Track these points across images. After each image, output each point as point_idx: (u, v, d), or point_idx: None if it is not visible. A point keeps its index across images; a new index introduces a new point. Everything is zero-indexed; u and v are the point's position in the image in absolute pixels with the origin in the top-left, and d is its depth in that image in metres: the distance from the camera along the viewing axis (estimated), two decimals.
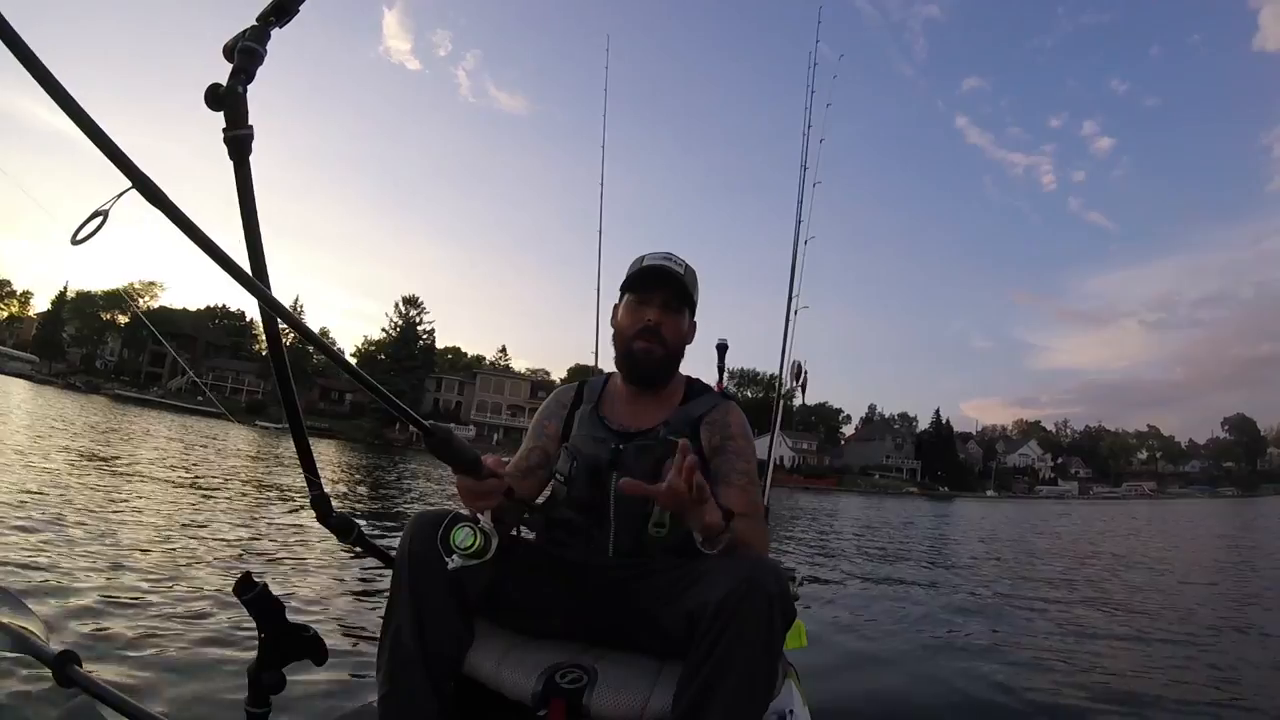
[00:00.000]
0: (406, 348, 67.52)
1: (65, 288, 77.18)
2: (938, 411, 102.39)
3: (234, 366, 73.01)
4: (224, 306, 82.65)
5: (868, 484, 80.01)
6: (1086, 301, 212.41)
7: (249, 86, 1.10)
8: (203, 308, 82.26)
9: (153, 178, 0.86)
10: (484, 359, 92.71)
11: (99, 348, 79.07)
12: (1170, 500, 78.46)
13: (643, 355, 1.57)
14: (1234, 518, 32.29)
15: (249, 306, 68.31)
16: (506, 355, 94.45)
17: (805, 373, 3.16)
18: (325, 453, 25.33)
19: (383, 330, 70.01)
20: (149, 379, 70.05)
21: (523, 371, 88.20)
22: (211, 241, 0.88)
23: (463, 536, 1.19)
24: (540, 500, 1.65)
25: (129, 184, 0.84)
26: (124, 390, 59.67)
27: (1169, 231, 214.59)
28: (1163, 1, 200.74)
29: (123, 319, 75.59)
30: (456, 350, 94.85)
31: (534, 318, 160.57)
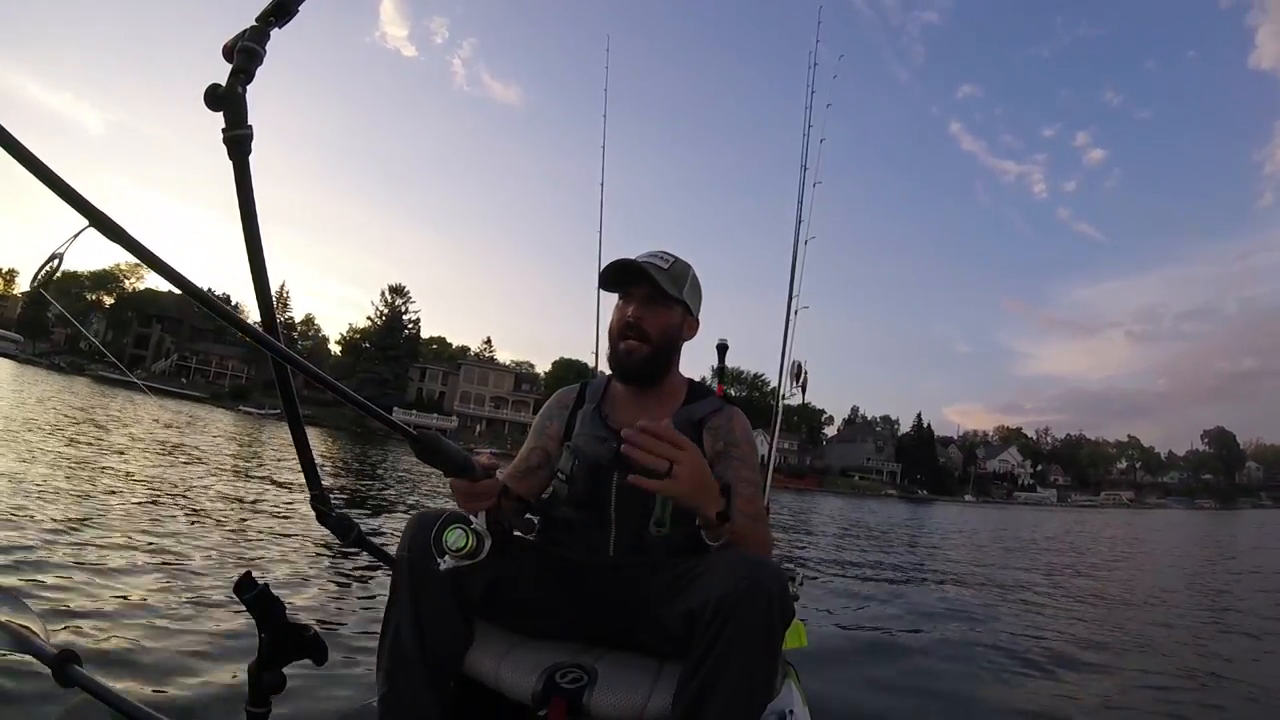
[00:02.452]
0: (391, 336, 67.14)
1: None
2: (919, 415, 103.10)
3: (218, 350, 72.30)
4: (210, 290, 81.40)
5: (847, 485, 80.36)
6: (1072, 310, 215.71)
7: (249, 86, 1.09)
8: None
9: (110, 214, 0.86)
10: (469, 350, 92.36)
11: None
12: (1148, 510, 79.45)
13: (625, 355, 1.55)
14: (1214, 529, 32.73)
15: (234, 290, 67.56)
16: (491, 347, 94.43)
17: (805, 373, 3.15)
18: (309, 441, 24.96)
19: (368, 318, 69.68)
20: (133, 361, 69.17)
21: (507, 363, 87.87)
22: (171, 268, 0.89)
23: (455, 538, 1.19)
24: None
25: (85, 223, 0.85)
26: (107, 372, 58.83)
27: (1157, 244, 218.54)
28: (1160, 16, 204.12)
29: (108, 300, 74.58)
30: (441, 340, 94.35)
31: (520, 310, 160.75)
